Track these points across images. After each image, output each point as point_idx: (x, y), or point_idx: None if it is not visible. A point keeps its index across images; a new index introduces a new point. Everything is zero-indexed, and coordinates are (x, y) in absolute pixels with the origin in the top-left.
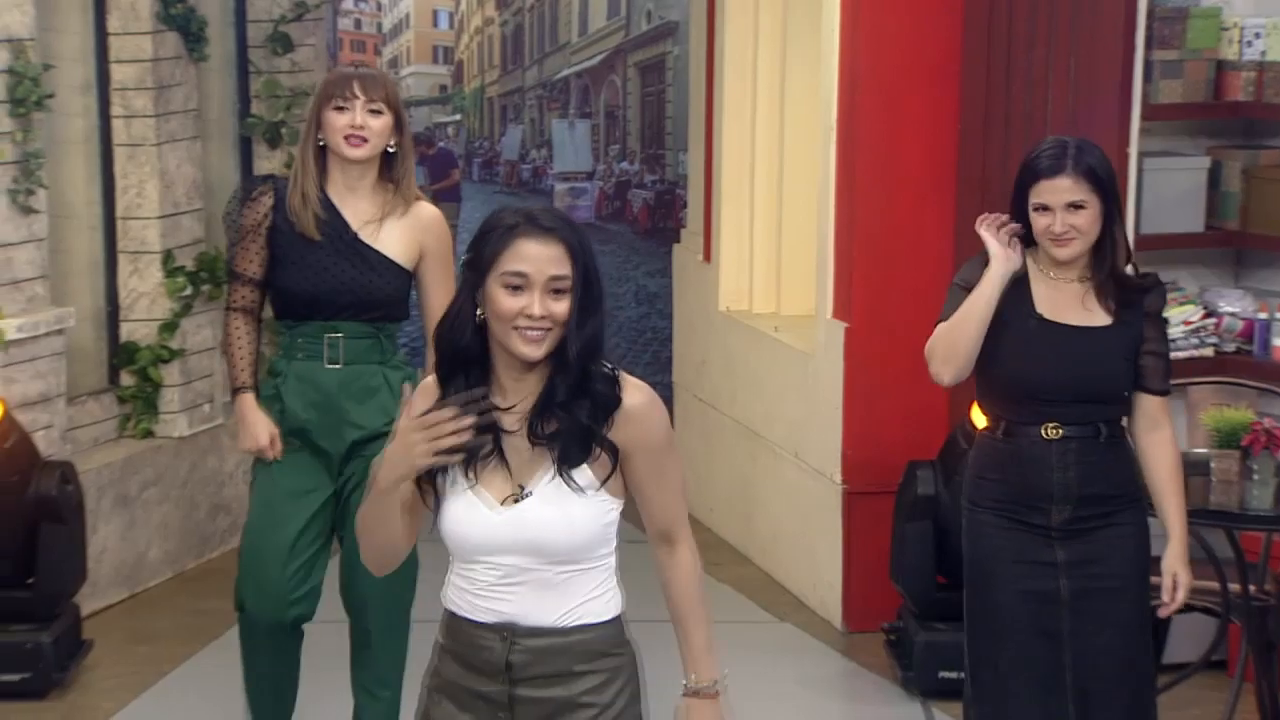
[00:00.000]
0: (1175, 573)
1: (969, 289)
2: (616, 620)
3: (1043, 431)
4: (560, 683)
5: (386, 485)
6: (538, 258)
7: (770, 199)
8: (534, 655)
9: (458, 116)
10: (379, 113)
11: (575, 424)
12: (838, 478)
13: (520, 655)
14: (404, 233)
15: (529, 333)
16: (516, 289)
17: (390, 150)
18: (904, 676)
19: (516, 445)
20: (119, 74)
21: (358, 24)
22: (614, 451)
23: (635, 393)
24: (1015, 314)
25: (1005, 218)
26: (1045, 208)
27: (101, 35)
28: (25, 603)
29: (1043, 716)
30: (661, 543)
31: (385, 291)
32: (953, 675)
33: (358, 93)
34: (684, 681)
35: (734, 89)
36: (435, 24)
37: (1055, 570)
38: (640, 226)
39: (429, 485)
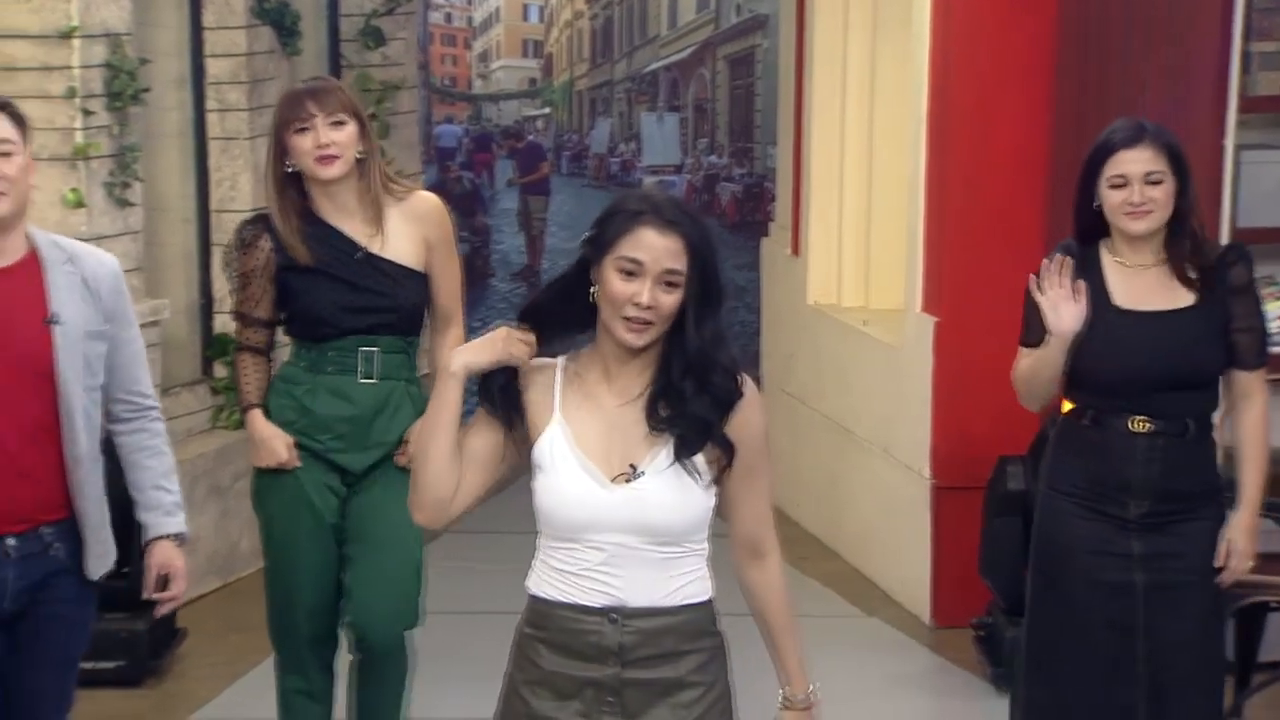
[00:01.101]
0: (1233, 539)
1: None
2: (711, 602)
3: (1130, 424)
4: (668, 662)
5: (457, 368)
6: (655, 247)
7: (860, 192)
8: (644, 636)
9: (547, 110)
10: (341, 123)
11: (694, 415)
12: (927, 473)
13: (631, 636)
14: (407, 232)
15: (634, 321)
16: (630, 275)
17: (359, 156)
18: (993, 673)
19: (624, 424)
20: (214, 68)
21: (448, 18)
22: (729, 448)
23: (750, 390)
24: (1093, 308)
25: (1058, 265)
26: (1122, 181)
27: (196, 30)
28: (121, 591)
29: (1103, 706)
30: (750, 555)
31: (411, 299)
32: None
33: (314, 110)
34: (781, 692)
35: (823, 81)
36: (525, 17)
37: (1130, 562)
38: (728, 220)
39: (522, 444)
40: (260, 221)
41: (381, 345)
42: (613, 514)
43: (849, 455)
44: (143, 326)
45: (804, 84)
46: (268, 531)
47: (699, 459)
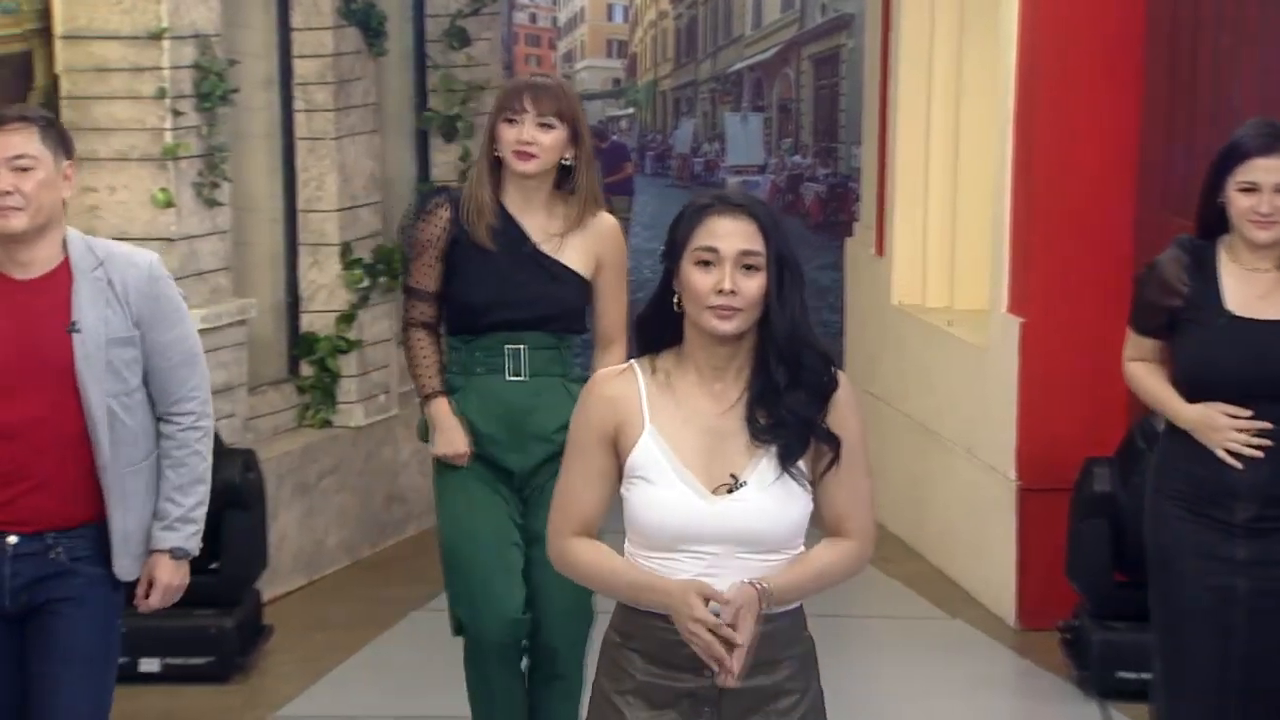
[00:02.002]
0: None
1: (1154, 305)
2: (801, 607)
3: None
4: (764, 670)
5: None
6: (728, 233)
7: (945, 192)
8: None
9: (631, 110)
10: (550, 127)
11: (795, 417)
12: (1012, 474)
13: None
14: (582, 245)
15: (720, 309)
16: (708, 264)
17: (566, 163)
18: (1080, 676)
19: (723, 432)
20: (301, 69)
21: (533, 18)
22: (834, 440)
23: (844, 379)
24: (1204, 311)
25: (1242, 423)
26: (1252, 187)
27: (284, 31)
28: (210, 588)
29: (1208, 711)
30: (830, 534)
31: (568, 301)
32: (1131, 676)
33: (527, 106)
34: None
35: (909, 81)
36: (610, 18)
37: (1234, 567)
38: (812, 220)
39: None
40: (443, 193)
41: (529, 342)
42: (713, 525)
43: (932, 456)
44: (229, 326)
45: (889, 83)
46: (445, 533)
47: (801, 463)
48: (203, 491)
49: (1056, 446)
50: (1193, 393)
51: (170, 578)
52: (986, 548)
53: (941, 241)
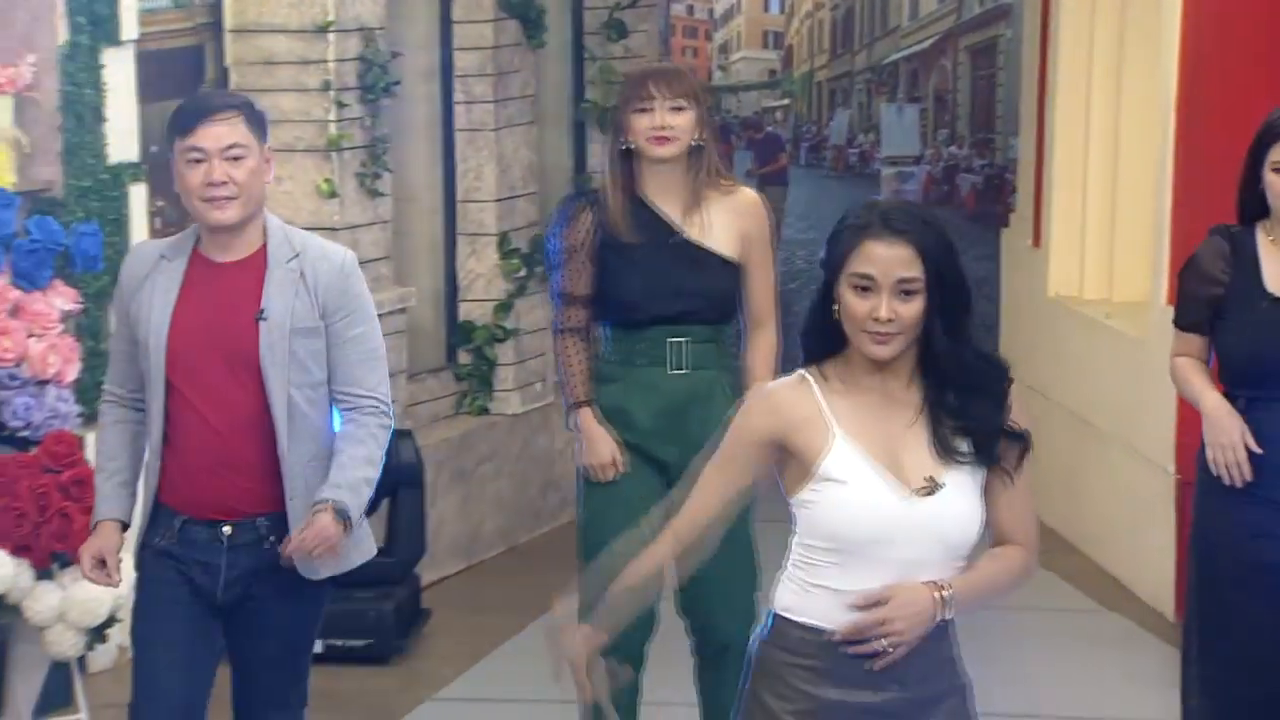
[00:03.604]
0: None
1: (1196, 297)
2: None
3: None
4: (939, 674)
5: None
6: (885, 259)
7: (1104, 182)
8: (917, 656)
9: (786, 101)
10: (681, 109)
11: (978, 423)
12: (1171, 467)
13: (906, 661)
14: (727, 223)
15: (877, 335)
16: (865, 290)
17: (696, 143)
18: None
19: (909, 440)
20: (461, 61)
21: (690, 10)
22: (1021, 439)
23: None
24: (1244, 292)
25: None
26: None
27: (446, 24)
28: (372, 570)
29: (1269, 689)
30: (1004, 548)
31: (718, 289)
32: None
33: (656, 92)
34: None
35: (1069, 70)
36: (766, 9)
37: None
38: (968, 211)
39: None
40: (583, 197)
41: (691, 335)
42: (910, 526)
43: (1089, 449)
44: (389, 314)
45: (1047, 73)
46: (583, 528)
47: (991, 467)
48: (372, 472)
49: None
50: (1236, 378)
51: (327, 525)
52: (1144, 541)
53: (1100, 233)
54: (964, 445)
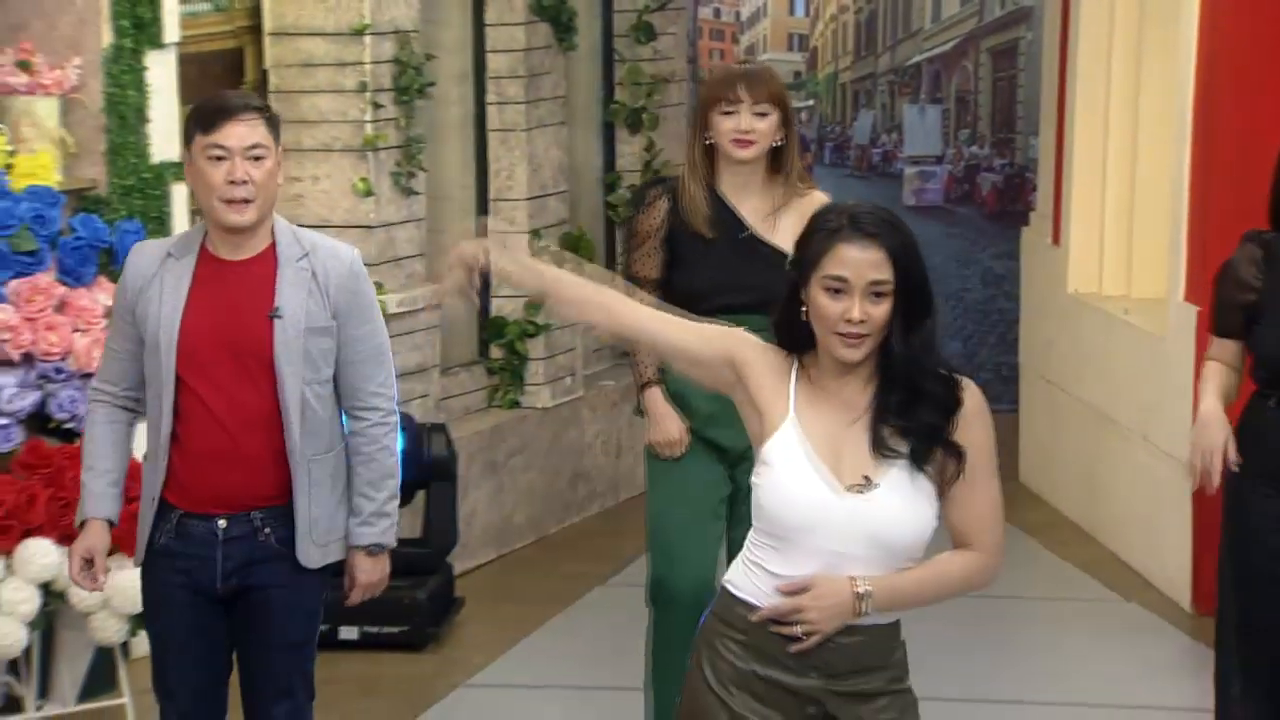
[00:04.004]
0: None
1: (1230, 304)
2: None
3: None
4: (867, 676)
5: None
6: (857, 262)
7: (1122, 181)
8: (849, 652)
9: (811, 102)
10: (765, 114)
11: (920, 426)
12: (1187, 460)
13: (834, 654)
14: (795, 223)
15: (848, 337)
16: (837, 292)
17: (776, 144)
18: None
19: (853, 438)
20: (494, 63)
21: (716, 13)
22: (958, 454)
23: (972, 395)
24: (1277, 296)
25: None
26: None
27: (479, 26)
28: (406, 560)
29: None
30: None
31: (782, 284)
32: None
33: (743, 95)
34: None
35: (1088, 71)
36: (791, 12)
37: None
38: (988, 209)
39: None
40: (661, 184)
41: (750, 324)
42: (841, 521)
43: (1108, 442)
44: (423, 310)
45: (1067, 75)
46: (653, 512)
47: (928, 471)
48: (393, 485)
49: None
50: (1270, 379)
51: (369, 576)
52: (1162, 532)
53: (1118, 231)
54: (901, 446)
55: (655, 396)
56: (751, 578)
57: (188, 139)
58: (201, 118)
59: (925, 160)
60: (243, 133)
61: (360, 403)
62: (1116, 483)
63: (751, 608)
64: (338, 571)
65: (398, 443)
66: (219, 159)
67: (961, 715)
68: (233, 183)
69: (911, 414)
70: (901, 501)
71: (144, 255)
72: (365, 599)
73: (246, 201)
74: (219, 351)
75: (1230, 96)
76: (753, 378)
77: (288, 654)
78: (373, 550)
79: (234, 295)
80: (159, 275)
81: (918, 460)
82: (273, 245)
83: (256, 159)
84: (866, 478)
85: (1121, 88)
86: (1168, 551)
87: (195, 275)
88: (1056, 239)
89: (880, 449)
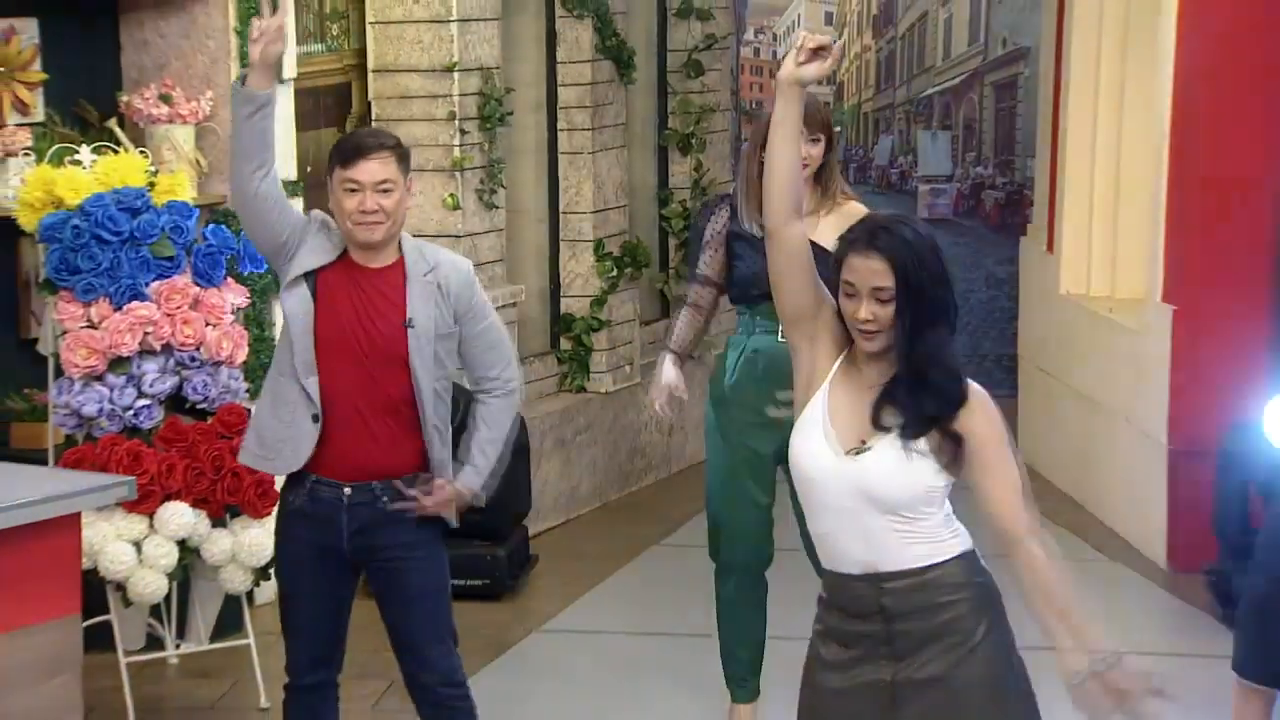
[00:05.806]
0: None
1: None
2: (967, 555)
3: None
4: (929, 614)
5: (792, 80)
6: (861, 270)
7: (1107, 197)
8: (899, 596)
9: (838, 129)
10: (816, 141)
11: (917, 408)
12: (1164, 439)
13: (889, 599)
14: (835, 226)
15: (864, 332)
16: (850, 295)
17: (822, 162)
18: (1223, 613)
19: (864, 410)
20: (564, 95)
21: (756, 51)
22: (956, 439)
23: (975, 394)
24: None
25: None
26: None
27: (551, 63)
28: (487, 522)
29: None
30: (1007, 545)
31: (825, 276)
32: None
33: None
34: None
35: (1078, 102)
36: None
37: None
38: (991, 222)
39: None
40: (722, 199)
41: None
42: (837, 478)
43: (1095, 423)
44: (502, 307)
45: (1060, 104)
46: (711, 483)
47: (922, 443)
48: (503, 451)
49: (1203, 414)
50: None
51: (460, 494)
52: (1142, 501)
53: (1104, 239)
54: (893, 421)
55: (666, 359)
56: (823, 551)
57: (330, 170)
58: (341, 154)
59: (937, 179)
60: (374, 169)
61: (487, 381)
62: (1103, 459)
63: (835, 575)
64: (457, 533)
65: (515, 413)
66: (353, 191)
67: None
68: (363, 212)
69: (912, 398)
70: (890, 465)
71: (325, 226)
72: (437, 507)
73: (377, 223)
74: (355, 347)
75: (1203, 124)
76: (823, 338)
77: (428, 601)
78: (468, 492)
79: (371, 299)
80: (316, 253)
81: (906, 435)
82: (401, 258)
83: (385, 191)
84: (862, 441)
85: (1107, 117)
86: (1147, 517)
87: (335, 274)
88: (1050, 247)
89: (877, 421)
